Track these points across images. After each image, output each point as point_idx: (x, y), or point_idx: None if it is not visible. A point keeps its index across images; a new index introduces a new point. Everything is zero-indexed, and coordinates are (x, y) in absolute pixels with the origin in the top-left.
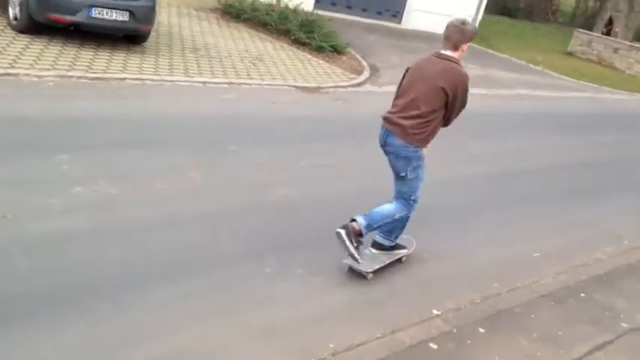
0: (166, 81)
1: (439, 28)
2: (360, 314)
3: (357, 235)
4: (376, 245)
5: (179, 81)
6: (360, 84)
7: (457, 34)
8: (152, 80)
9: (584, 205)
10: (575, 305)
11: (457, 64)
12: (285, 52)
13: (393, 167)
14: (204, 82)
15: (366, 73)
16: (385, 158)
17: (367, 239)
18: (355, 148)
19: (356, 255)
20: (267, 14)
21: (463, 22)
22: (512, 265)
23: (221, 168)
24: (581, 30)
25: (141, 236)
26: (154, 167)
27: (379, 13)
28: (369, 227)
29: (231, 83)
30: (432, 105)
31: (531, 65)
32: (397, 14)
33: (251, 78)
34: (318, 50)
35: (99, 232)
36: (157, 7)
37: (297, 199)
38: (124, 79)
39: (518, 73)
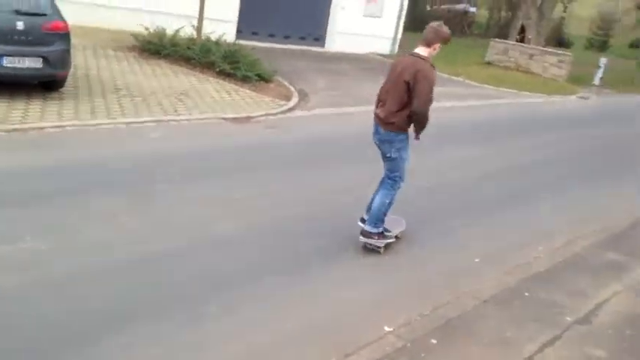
0: (89, 125)
1: (362, 49)
2: (313, 340)
3: (371, 235)
4: (366, 234)
5: (102, 124)
6: (290, 110)
7: (431, 33)
8: (73, 126)
9: (517, 208)
10: (521, 305)
11: (424, 59)
12: (211, 85)
13: (381, 152)
14: (128, 123)
15: (295, 99)
16: (319, 182)
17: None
18: (290, 175)
19: (381, 249)
20: (189, 48)
21: (439, 25)
22: (456, 273)
23: (153, 209)
24: (496, 40)
25: (75, 291)
26: (83, 216)
27: (302, 38)
28: (376, 225)
29: (158, 121)
30: (399, 97)
31: (454, 77)
32: (320, 38)
33: (178, 114)
34: (245, 80)
35: (30, 291)
36: (71, 51)
37: (233, 234)
38: (43, 127)
39: (443, 87)
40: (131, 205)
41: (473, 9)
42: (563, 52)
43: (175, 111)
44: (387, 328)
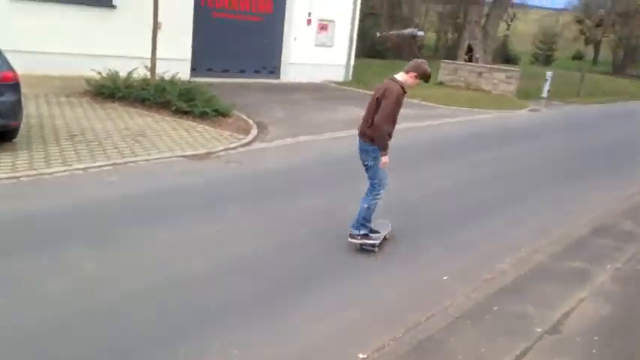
0: (44, 174)
1: (316, 78)
2: None
3: (354, 236)
4: (351, 236)
5: (58, 172)
6: (249, 143)
7: (412, 63)
8: (28, 176)
9: (479, 222)
10: (491, 320)
11: (396, 82)
12: (168, 124)
13: (361, 160)
14: (84, 169)
15: (254, 132)
16: (284, 213)
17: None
18: (254, 208)
19: (376, 249)
20: (143, 89)
21: (423, 62)
22: (426, 293)
23: (116, 254)
24: (446, 60)
25: (36, 346)
26: (43, 268)
27: (257, 71)
28: (358, 227)
29: (115, 164)
30: (373, 112)
31: (410, 99)
32: (275, 70)
33: (136, 155)
34: (202, 117)
35: None
36: (22, 100)
37: (202, 273)
38: None
39: (402, 109)
40: (93, 252)
41: (421, 33)
42: (511, 68)
43: (133, 153)
44: (361, 356)
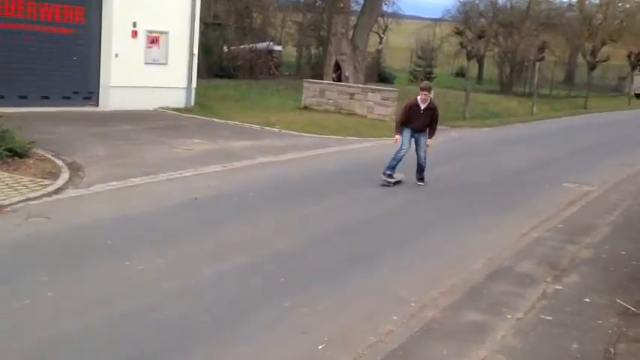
0: None
1: (148, 104)
2: None
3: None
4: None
5: None
6: (58, 190)
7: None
8: None
9: (360, 273)
10: None
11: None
12: None
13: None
14: None
15: (65, 175)
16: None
17: None
18: (62, 278)
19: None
20: None
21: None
22: None
23: None
24: (310, 80)
25: None
26: None
27: (67, 97)
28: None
29: None
30: None
31: (267, 128)
32: (91, 95)
33: None
34: None
35: None
36: None
37: None
38: None
39: (255, 140)
40: None
41: (278, 47)
42: (387, 87)
43: None
44: None
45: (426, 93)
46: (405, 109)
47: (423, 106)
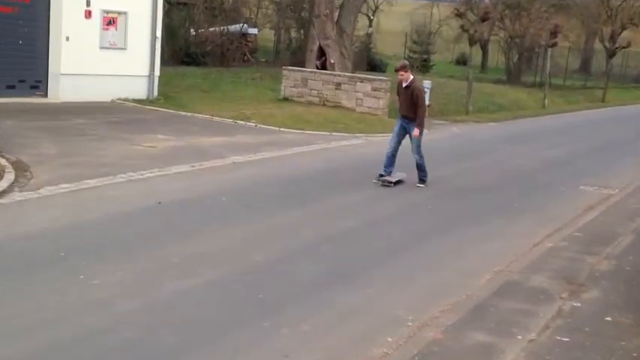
0: None
1: (105, 95)
2: None
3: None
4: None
5: None
6: (2, 193)
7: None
8: None
9: (349, 288)
10: None
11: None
12: None
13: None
14: None
15: (10, 176)
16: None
17: None
18: (10, 291)
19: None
20: None
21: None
22: None
23: None
24: (290, 68)
25: None
26: None
27: (11, 87)
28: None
29: None
30: None
31: (241, 122)
32: (39, 84)
33: None
34: None
35: None
36: None
37: None
38: None
39: (227, 136)
40: None
41: (253, 30)
42: (378, 77)
43: None
44: None
45: (402, 74)
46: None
47: (404, 84)
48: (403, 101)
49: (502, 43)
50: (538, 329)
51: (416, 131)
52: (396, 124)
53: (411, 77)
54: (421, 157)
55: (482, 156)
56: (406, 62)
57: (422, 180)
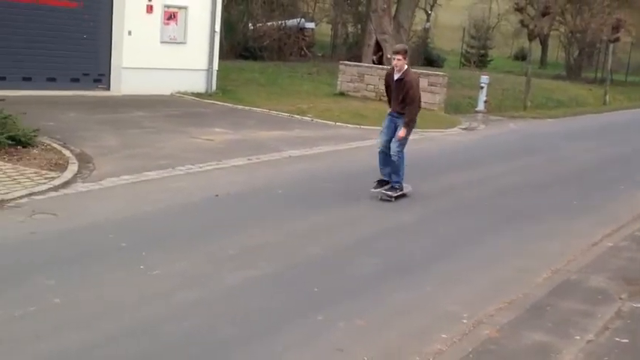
0: None
1: (164, 88)
2: None
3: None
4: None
5: None
6: (66, 184)
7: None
8: None
9: (403, 284)
10: None
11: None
12: None
13: None
14: None
15: (73, 167)
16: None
17: None
18: (72, 283)
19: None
20: None
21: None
22: None
23: None
24: (346, 62)
25: None
26: None
27: (75, 80)
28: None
29: None
30: None
31: (297, 116)
32: (102, 78)
33: None
34: None
35: None
36: None
37: None
38: None
39: (283, 130)
40: None
41: (311, 24)
42: (436, 72)
43: None
44: None
45: (399, 58)
46: (385, 77)
47: (396, 77)
48: (394, 96)
49: (562, 38)
50: (596, 330)
51: (402, 131)
52: (385, 118)
53: (406, 67)
54: (400, 157)
55: (539, 153)
56: (405, 46)
57: (393, 188)
